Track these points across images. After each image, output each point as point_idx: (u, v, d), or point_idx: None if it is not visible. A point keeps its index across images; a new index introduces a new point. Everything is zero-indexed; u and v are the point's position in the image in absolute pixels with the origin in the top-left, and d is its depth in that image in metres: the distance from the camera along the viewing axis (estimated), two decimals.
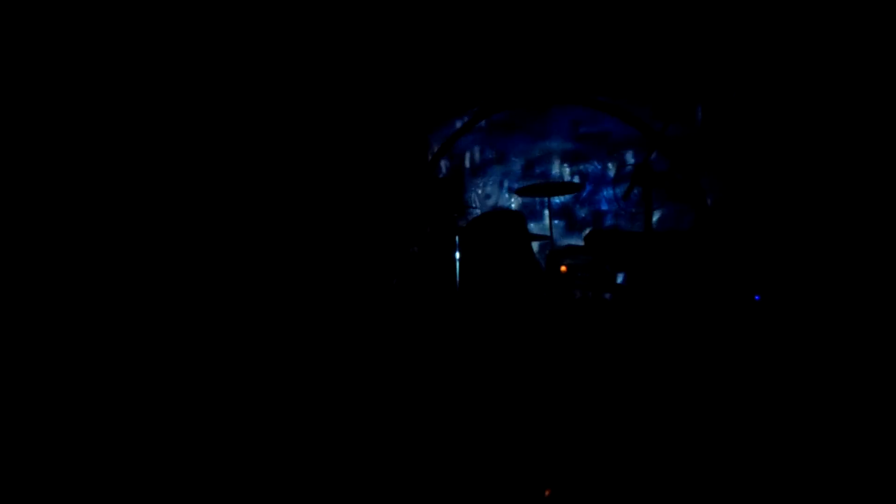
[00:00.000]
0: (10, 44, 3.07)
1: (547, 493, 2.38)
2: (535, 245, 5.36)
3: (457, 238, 3.58)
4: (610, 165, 5.08)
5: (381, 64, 5.14)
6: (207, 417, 2.99)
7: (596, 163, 5.15)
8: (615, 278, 4.12)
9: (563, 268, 3.97)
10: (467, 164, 5.88)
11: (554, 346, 3.83)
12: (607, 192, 5.09)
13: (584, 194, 5.23)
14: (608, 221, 5.16)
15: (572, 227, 5.33)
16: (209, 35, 3.92)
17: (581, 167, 5.21)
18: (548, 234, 4.99)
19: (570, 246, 4.53)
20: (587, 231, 5.15)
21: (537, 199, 5.16)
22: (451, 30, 4.87)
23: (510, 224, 5.35)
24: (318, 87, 4.84)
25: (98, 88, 3.49)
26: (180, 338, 3.63)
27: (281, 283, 4.00)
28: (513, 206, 5.63)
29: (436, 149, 5.96)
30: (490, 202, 5.76)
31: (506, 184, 5.69)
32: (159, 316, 3.63)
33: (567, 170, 5.28)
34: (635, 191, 4.53)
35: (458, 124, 5.77)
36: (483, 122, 5.69)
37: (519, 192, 4.97)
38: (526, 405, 3.12)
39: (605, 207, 5.17)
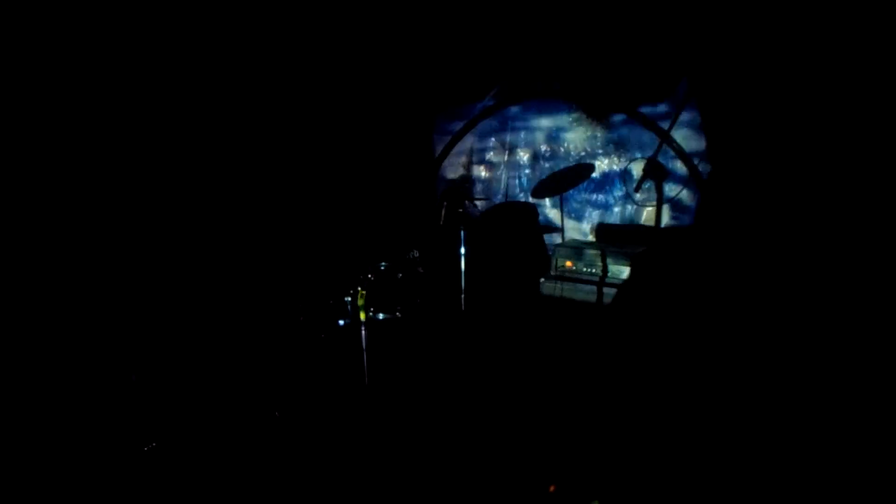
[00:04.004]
0: (10, 44, 3.10)
1: (552, 488, 2.38)
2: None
3: (462, 233, 3.56)
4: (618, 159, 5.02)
5: (384, 56, 5.10)
6: (212, 415, 3.04)
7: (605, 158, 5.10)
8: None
9: (569, 263, 3.94)
10: (475, 158, 5.84)
11: (558, 341, 3.81)
12: (617, 185, 5.04)
13: (593, 186, 5.18)
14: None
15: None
16: (206, 25, 3.92)
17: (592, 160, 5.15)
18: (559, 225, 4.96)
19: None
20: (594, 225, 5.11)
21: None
22: (460, 17, 4.82)
23: (522, 217, 5.32)
24: (318, 84, 4.82)
25: (97, 88, 3.52)
26: (180, 335, 3.67)
27: (279, 283, 4.02)
28: (523, 197, 5.59)
29: (441, 145, 5.92)
30: (499, 196, 5.72)
31: (516, 177, 5.65)
32: (156, 314, 3.67)
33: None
34: (645, 184, 4.48)
35: (467, 116, 5.72)
36: (491, 116, 5.63)
37: (534, 195, 4.93)
38: (531, 402, 3.12)
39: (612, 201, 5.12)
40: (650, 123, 4.71)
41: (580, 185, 5.06)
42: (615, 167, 5.01)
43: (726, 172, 4.36)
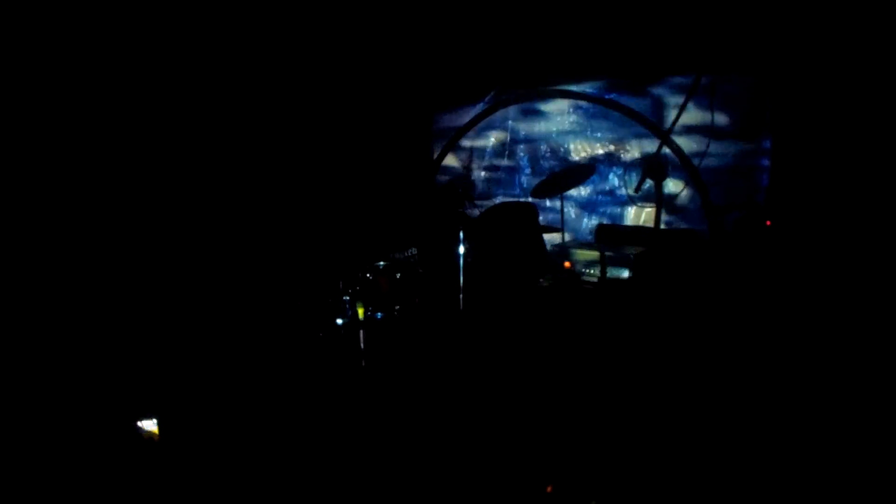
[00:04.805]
0: (10, 44, 3.10)
1: (549, 489, 2.37)
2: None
3: (461, 233, 3.55)
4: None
5: (384, 56, 5.09)
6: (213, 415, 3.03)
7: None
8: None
9: (567, 264, 3.93)
10: (474, 158, 5.84)
11: (562, 340, 3.80)
12: (617, 185, 5.03)
13: (593, 187, 5.17)
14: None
15: None
16: (205, 24, 3.91)
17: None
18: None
19: None
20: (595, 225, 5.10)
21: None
22: (460, 17, 4.80)
23: (522, 217, 5.30)
24: (319, 85, 4.82)
25: (98, 89, 3.52)
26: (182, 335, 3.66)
27: (277, 282, 4.01)
28: (522, 198, 5.58)
29: (440, 145, 5.92)
30: (498, 196, 5.72)
31: (516, 177, 5.65)
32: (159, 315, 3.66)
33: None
34: (645, 184, 4.47)
35: (465, 118, 5.72)
36: (490, 115, 5.63)
37: (534, 195, 4.92)
38: (531, 402, 3.11)
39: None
40: (650, 124, 4.70)
41: (580, 186, 5.05)
42: (615, 167, 5.01)
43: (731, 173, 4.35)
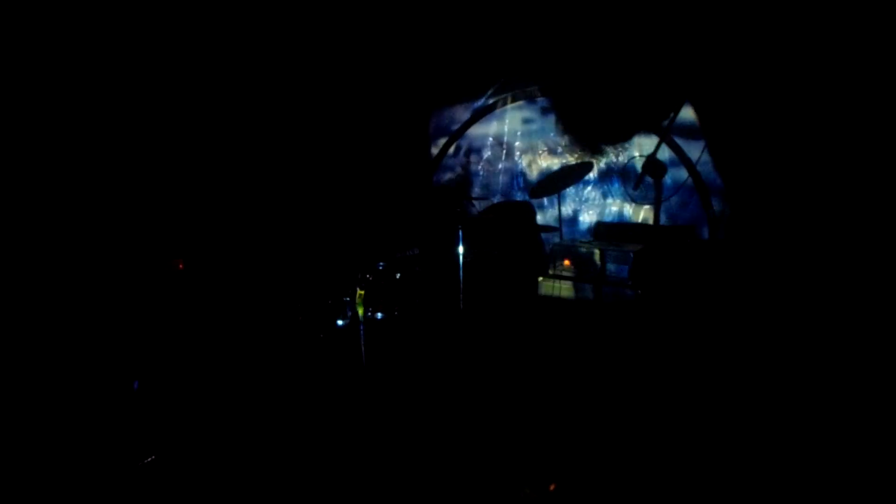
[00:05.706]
0: (9, 43, 3.09)
1: (551, 487, 2.38)
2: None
3: (461, 232, 3.55)
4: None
5: (382, 54, 5.07)
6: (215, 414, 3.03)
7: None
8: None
9: (567, 261, 3.93)
10: (473, 157, 5.83)
11: (556, 341, 3.81)
12: (616, 183, 5.03)
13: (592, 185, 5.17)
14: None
15: None
16: (203, 23, 3.90)
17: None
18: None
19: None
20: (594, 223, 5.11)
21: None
22: (458, 14, 4.78)
23: (519, 216, 5.31)
24: (315, 84, 4.80)
25: (97, 89, 3.51)
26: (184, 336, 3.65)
27: (277, 283, 4.01)
28: (521, 197, 5.58)
29: (439, 144, 5.91)
30: (497, 195, 5.72)
31: (514, 176, 5.65)
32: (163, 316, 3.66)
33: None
34: (644, 182, 4.47)
35: (465, 115, 5.71)
36: (489, 114, 5.62)
37: (532, 194, 4.92)
38: (530, 401, 3.11)
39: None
40: (650, 123, 4.70)
41: (579, 184, 5.05)
42: (614, 165, 5.01)
43: (729, 173, 4.36)
